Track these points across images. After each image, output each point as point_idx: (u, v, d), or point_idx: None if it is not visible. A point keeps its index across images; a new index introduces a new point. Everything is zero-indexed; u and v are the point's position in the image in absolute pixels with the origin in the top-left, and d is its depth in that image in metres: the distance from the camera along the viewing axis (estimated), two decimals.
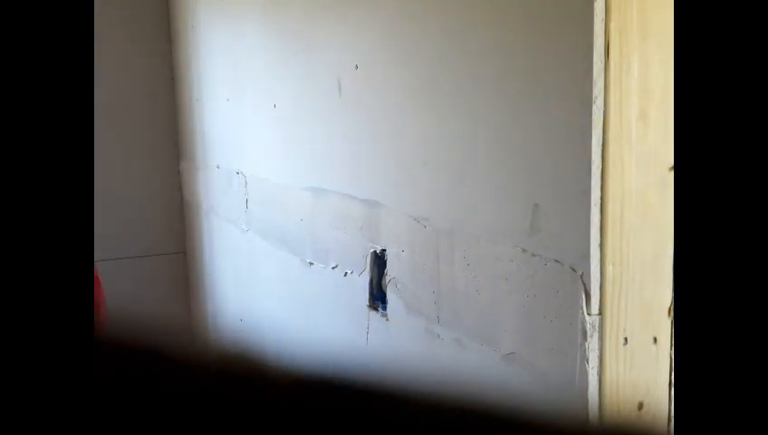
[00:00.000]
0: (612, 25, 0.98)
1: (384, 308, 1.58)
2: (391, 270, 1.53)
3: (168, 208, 2.89)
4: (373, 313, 1.62)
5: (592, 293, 1.03)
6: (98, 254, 2.56)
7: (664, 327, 1.06)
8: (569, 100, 1.03)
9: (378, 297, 1.61)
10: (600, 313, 1.03)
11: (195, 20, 2.59)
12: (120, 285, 2.73)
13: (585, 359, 1.04)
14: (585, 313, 1.03)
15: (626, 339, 1.05)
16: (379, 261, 1.58)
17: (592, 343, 1.03)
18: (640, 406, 1.07)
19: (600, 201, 1.01)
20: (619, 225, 1.02)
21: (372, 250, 1.59)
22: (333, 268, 1.78)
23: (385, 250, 1.54)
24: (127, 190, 2.78)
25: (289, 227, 2.01)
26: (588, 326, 1.03)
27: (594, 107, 0.99)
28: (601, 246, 1.02)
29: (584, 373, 1.04)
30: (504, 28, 1.14)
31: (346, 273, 1.72)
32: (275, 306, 2.18)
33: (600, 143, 1.00)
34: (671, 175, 1.03)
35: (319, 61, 1.74)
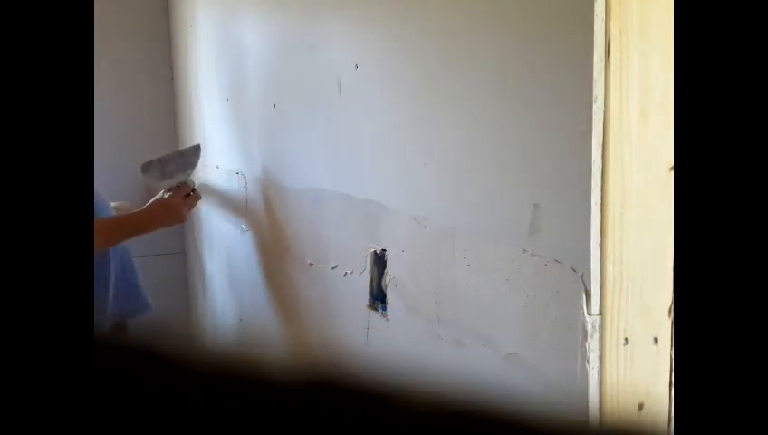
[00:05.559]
0: (612, 25, 0.98)
1: (384, 308, 1.58)
2: (391, 270, 1.53)
3: None
4: (373, 313, 1.62)
5: (592, 293, 1.03)
6: None
7: (664, 327, 1.06)
8: (569, 99, 1.03)
9: (378, 297, 1.61)
10: (601, 313, 1.03)
11: (194, 20, 2.59)
12: None
13: (585, 359, 1.04)
14: (585, 313, 1.03)
15: (626, 339, 1.05)
16: (379, 261, 1.58)
17: (593, 344, 1.03)
18: (641, 406, 1.06)
19: (600, 201, 1.01)
20: (619, 225, 1.02)
21: (372, 250, 1.59)
22: (333, 268, 1.78)
23: (385, 250, 1.54)
24: (126, 190, 2.78)
25: (289, 227, 2.01)
26: (588, 326, 1.03)
27: (594, 107, 0.99)
28: (601, 246, 1.02)
29: (584, 374, 1.04)
30: (503, 28, 1.14)
31: (346, 273, 1.72)
32: (275, 306, 2.18)
33: (600, 143, 1.00)
34: (671, 175, 1.03)
35: (319, 60, 1.74)
